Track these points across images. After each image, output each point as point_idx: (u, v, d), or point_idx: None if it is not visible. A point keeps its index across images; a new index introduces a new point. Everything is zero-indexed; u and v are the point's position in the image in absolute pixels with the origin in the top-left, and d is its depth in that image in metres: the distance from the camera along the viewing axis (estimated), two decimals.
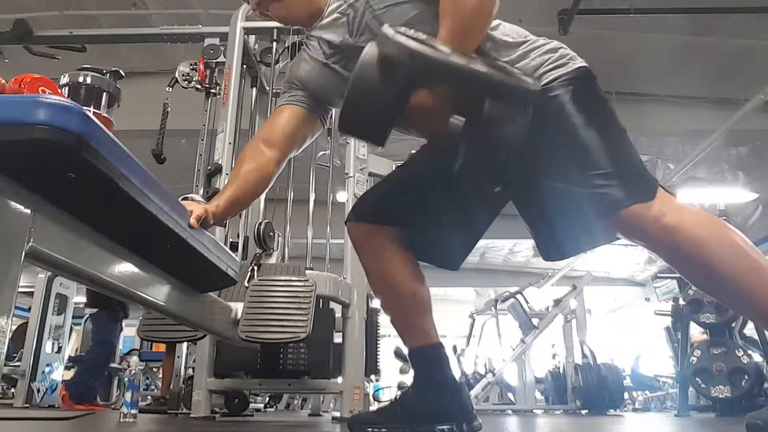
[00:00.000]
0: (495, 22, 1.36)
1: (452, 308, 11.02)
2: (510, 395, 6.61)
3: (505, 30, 1.36)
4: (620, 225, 1.19)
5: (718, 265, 1.15)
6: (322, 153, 3.75)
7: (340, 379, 2.92)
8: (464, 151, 1.18)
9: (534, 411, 5.77)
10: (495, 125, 1.14)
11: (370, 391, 5.58)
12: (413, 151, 1.60)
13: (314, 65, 1.46)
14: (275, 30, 3.40)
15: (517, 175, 1.27)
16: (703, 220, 1.20)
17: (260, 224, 2.98)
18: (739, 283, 1.14)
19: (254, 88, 3.72)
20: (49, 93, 1.28)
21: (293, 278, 2.20)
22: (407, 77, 1.13)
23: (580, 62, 1.32)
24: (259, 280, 2.18)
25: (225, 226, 2.90)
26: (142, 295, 1.20)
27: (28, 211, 0.78)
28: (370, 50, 1.14)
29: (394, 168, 2.30)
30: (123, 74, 1.90)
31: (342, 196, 3.50)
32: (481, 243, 9.76)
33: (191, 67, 3.45)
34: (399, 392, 2.07)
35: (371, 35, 1.30)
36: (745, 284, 1.14)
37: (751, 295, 1.14)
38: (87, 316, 4.96)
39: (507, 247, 10.46)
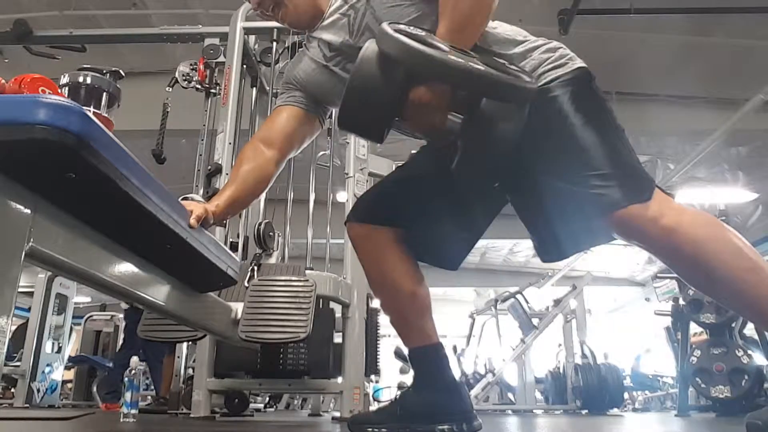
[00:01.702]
0: (494, 23, 1.36)
1: (452, 308, 11.01)
2: (510, 395, 6.61)
3: (505, 29, 1.36)
4: (618, 225, 1.18)
5: (717, 265, 1.14)
6: (322, 153, 3.75)
7: (340, 379, 2.92)
8: (461, 147, 1.19)
9: (534, 411, 5.77)
10: (492, 122, 1.15)
11: (370, 391, 5.58)
12: (413, 151, 1.60)
13: (314, 66, 1.46)
14: (275, 30, 3.40)
15: (517, 174, 1.27)
16: (702, 220, 1.20)
17: (260, 224, 2.98)
18: (737, 283, 1.14)
19: (254, 88, 3.72)
20: (49, 93, 1.28)
21: (293, 278, 2.20)
22: (405, 74, 1.13)
23: (579, 62, 1.32)
24: (259, 280, 2.18)
25: (225, 226, 2.90)
26: (142, 295, 1.20)
27: (28, 211, 0.78)
28: (369, 47, 1.14)
29: (394, 168, 2.30)
30: (123, 74, 1.89)
31: (342, 196, 3.49)
32: (481, 243, 9.75)
33: (191, 67, 3.45)
34: (399, 392, 2.07)
35: (371, 35, 1.29)
36: (744, 285, 1.14)
37: (750, 296, 1.14)
38: (125, 309, 4.92)
39: (507, 247, 10.46)
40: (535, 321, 6.01)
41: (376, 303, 3.30)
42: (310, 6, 1.43)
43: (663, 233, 1.15)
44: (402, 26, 1.15)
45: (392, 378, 8.97)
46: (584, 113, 1.24)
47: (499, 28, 1.36)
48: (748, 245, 1.17)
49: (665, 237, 1.16)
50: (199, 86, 3.42)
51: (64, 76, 1.69)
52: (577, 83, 1.28)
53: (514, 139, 1.16)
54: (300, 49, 1.54)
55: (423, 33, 1.14)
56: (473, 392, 5.63)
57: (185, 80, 3.43)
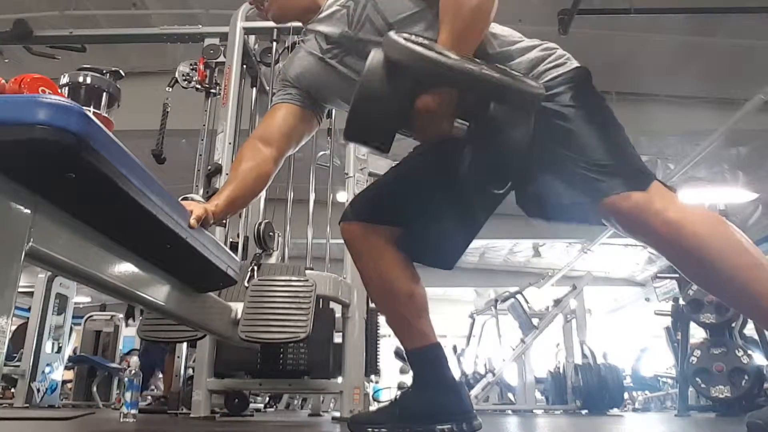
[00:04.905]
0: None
1: (452, 308, 11.01)
2: (510, 395, 6.61)
3: (500, 30, 1.37)
4: (621, 214, 1.17)
5: (720, 261, 1.14)
6: (322, 153, 3.75)
7: (340, 379, 2.92)
8: (470, 154, 1.19)
9: (534, 411, 5.77)
10: (500, 129, 1.16)
11: (370, 391, 5.58)
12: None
13: (310, 60, 1.45)
14: (275, 30, 3.40)
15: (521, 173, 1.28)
16: (705, 216, 1.20)
17: (260, 224, 2.98)
18: (739, 280, 1.14)
19: (254, 88, 3.71)
20: (49, 93, 1.28)
21: (293, 278, 2.20)
22: (412, 82, 1.14)
23: (576, 62, 1.34)
24: (259, 280, 2.17)
25: (225, 226, 2.90)
26: (142, 295, 1.20)
27: (28, 211, 0.78)
28: (376, 56, 1.14)
29: None
30: (123, 74, 1.90)
31: (342, 196, 3.49)
32: (481, 243, 9.78)
33: (191, 67, 3.45)
34: (399, 392, 2.07)
35: (371, 27, 1.32)
36: (746, 281, 1.13)
37: (751, 292, 1.14)
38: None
39: (507, 247, 10.45)
40: (535, 321, 6.01)
41: None
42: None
43: (667, 227, 1.15)
44: (406, 34, 1.16)
45: (392, 378, 8.98)
46: (586, 110, 1.26)
47: (495, 28, 1.36)
48: (750, 242, 1.17)
49: (669, 230, 1.15)
50: (199, 86, 3.42)
51: (64, 76, 1.69)
52: (578, 81, 1.29)
53: (524, 143, 1.17)
54: (296, 46, 1.53)
55: (426, 42, 1.16)
56: (473, 392, 5.64)
57: (185, 80, 3.43)
